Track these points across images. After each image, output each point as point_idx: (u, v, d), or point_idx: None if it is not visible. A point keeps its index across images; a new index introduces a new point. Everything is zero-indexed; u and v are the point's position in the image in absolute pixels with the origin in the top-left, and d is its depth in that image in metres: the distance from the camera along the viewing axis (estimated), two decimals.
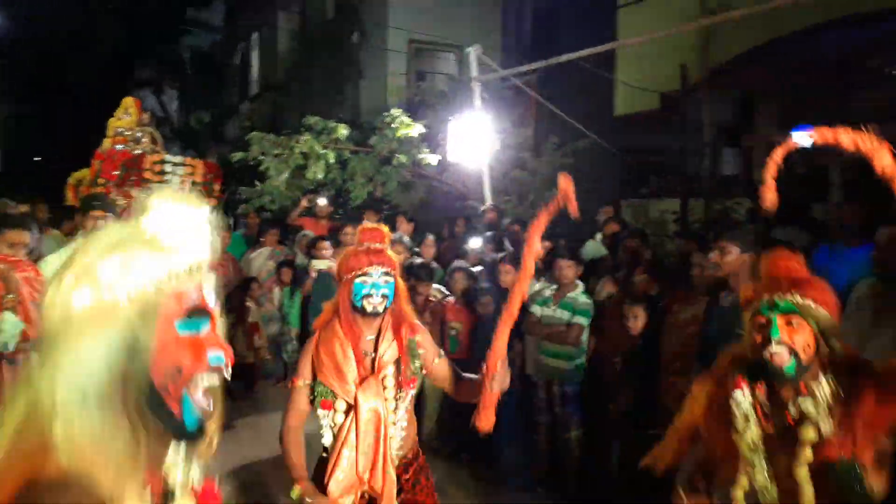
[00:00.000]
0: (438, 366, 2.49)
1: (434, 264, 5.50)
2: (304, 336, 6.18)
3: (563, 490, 4.24)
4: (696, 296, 3.74)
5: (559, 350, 4.22)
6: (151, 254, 0.94)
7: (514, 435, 4.69)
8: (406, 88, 11.29)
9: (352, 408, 2.28)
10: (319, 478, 2.30)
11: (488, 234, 5.71)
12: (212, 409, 1.01)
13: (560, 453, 4.21)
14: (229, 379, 1.04)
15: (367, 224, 2.53)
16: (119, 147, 9.13)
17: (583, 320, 4.18)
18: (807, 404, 1.70)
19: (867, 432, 1.66)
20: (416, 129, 6.90)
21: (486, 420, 2.08)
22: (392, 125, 7.03)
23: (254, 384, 6.31)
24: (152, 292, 0.93)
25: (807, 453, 1.68)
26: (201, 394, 0.98)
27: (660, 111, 7.64)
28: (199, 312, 0.98)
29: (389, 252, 2.40)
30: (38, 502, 0.84)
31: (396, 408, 2.34)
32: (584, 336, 4.28)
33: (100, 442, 0.88)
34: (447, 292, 5.22)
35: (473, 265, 5.49)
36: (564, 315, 4.20)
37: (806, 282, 1.73)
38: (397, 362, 2.36)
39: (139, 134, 9.54)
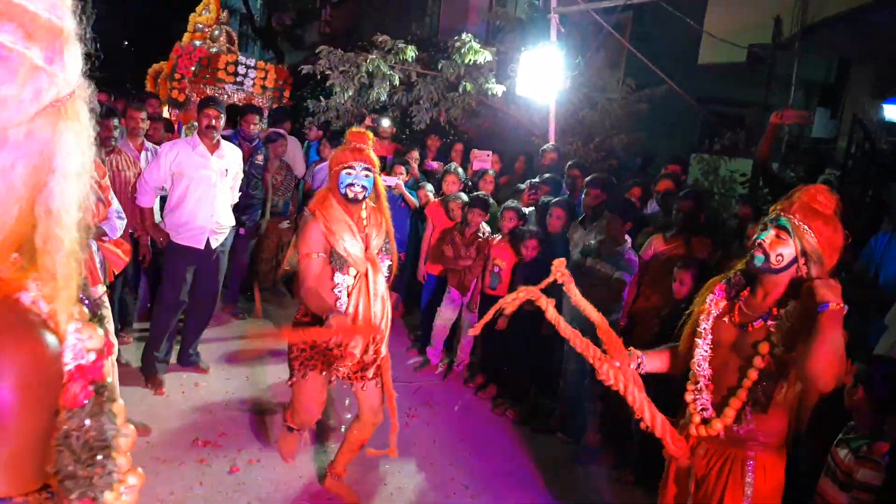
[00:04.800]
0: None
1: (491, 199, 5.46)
2: None
3: (579, 438, 4.30)
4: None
5: (596, 303, 4.17)
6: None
7: (541, 379, 4.77)
8: (487, 11, 10.94)
9: (362, 275, 2.95)
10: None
11: (546, 175, 5.60)
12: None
13: (583, 402, 4.25)
14: None
15: (356, 128, 3.11)
16: (197, 43, 9.27)
17: (625, 276, 4.12)
18: (776, 325, 2.10)
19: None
20: (485, 56, 6.70)
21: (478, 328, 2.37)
22: (462, 50, 6.85)
23: None
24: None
25: (757, 362, 2.12)
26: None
27: (746, 64, 7.21)
28: None
29: (370, 153, 2.98)
30: (8, 315, 0.87)
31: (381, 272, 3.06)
32: (625, 292, 4.24)
33: (69, 254, 0.93)
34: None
35: (527, 205, 5.45)
36: (607, 269, 4.14)
37: (818, 213, 2.05)
38: (383, 245, 3.07)
39: (217, 32, 9.66)
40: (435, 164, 6.94)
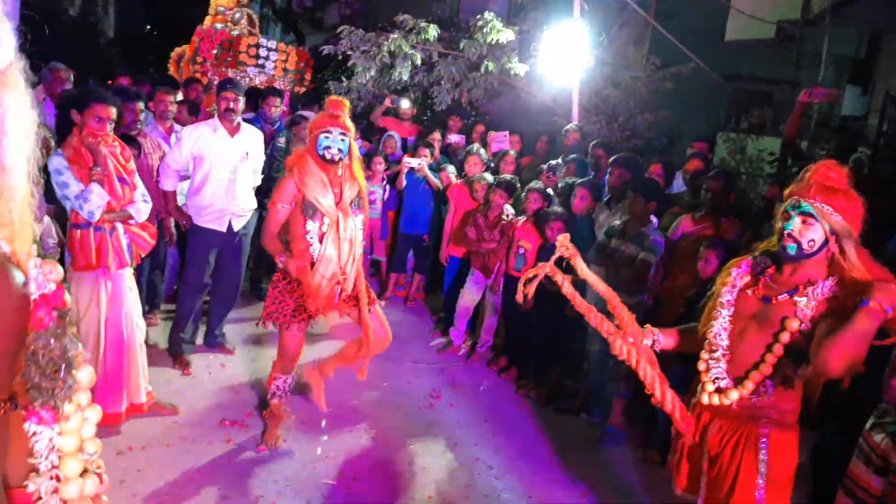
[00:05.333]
0: None
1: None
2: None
3: (604, 419, 4.29)
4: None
5: (622, 284, 4.14)
6: None
7: (564, 361, 4.75)
8: None
9: (333, 224, 3.27)
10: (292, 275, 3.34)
11: (571, 156, 5.54)
12: None
13: (607, 383, 4.23)
14: None
15: (333, 97, 3.45)
16: (218, 26, 9.30)
17: (650, 257, 4.08)
18: (801, 303, 2.12)
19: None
20: (507, 35, 6.61)
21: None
22: (484, 29, 6.76)
23: None
24: None
25: (783, 337, 2.14)
26: None
27: (775, 40, 7.04)
28: None
29: (346, 120, 3.29)
30: None
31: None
32: (650, 273, 4.20)
33: (23, 202, 1.09)
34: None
35: (549, 186, 5.40)
36: (632, 249, 4.10)
37: (835, 190, 2.08)
38: (356, 199, 3.40)
39: (238, 14, 9.67)
40: (456, 138, 6.89)
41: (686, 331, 2.50)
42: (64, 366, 1.18)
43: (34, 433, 1.22)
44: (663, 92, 7.32)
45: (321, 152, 3.26)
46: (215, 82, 8.25)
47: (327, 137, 3.25)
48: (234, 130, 4.44)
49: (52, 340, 1.15)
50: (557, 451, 4.04)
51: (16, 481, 1.25)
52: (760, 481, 2.24)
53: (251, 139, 4.57)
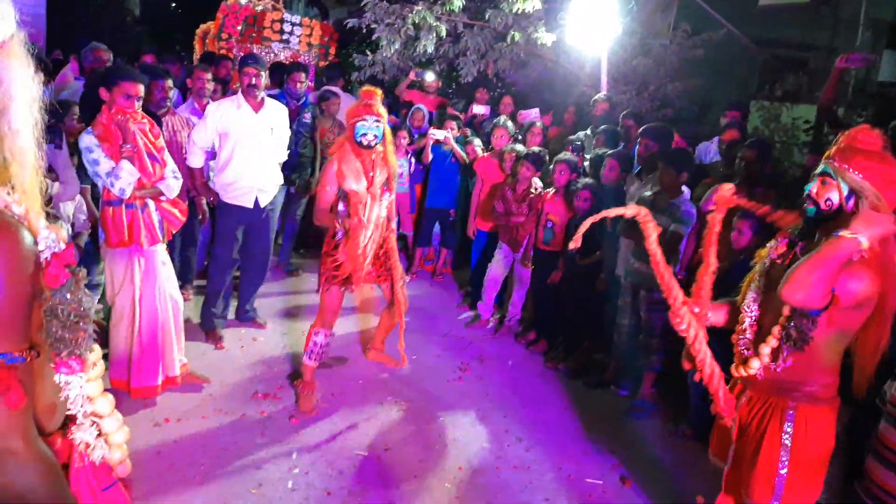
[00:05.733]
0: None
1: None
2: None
3: (633, 391, 4.27)
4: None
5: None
6: None
7: (593, 334, 4.73)
8: None
9: (364, 204, 3.58)
10: (336, 244, 3.70)
11: (602, 126, 5.45)
12: None
13: (638, 356, 4.20)
14: None
15: (366, 87, 3.68)
16: (242, 1, 9.26)
17: (681, 229, 4.01)
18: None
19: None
20: (534, 4, 6.48)
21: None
22: None
23: None
24: None
25: None
26: None
27: (810, 5, 6.81)
28: None
29: (379, 107, 3.56)
30: None
31: (382, 202, 3.69)
32: (682, 245, 4.14)
33: (32, 166, 1.17)
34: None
35: (578, 157, 5.32)
36: (663, 221, 4.03)
37: (858, 150, 2.03)
38: (384, 182, 3.68)
39: None
40: (482, 109, 6.82)
41: (729, 306, 2.46)
42: (83, 318, 1.26)
43: (66, 383, 1.29)
44: (694, 60, 7.14)
45: (358, 139, 3.55)
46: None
47: (363, 125, 3.53)
48: (258, 106, 4.44)
49: (69, 295, 1.23)
50: (587, 423, 4.04)
51: (49, 428, 1.33)
52: (784, 457, 2.19)
53: (276, 114, 4.57)
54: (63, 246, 1.22)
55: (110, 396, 1.46)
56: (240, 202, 4.51)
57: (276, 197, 4.73)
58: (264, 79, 4.45)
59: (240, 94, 4.44)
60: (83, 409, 1.37)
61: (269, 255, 4.89)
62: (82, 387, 1.33)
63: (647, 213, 2.21)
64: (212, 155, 4.60)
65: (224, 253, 4.61)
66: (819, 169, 2.11)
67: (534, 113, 6.49)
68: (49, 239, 1.20)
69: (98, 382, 1.42)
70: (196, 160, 4.52)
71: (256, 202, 4.54)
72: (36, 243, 1.17)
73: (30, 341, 1.16)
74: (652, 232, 2.20)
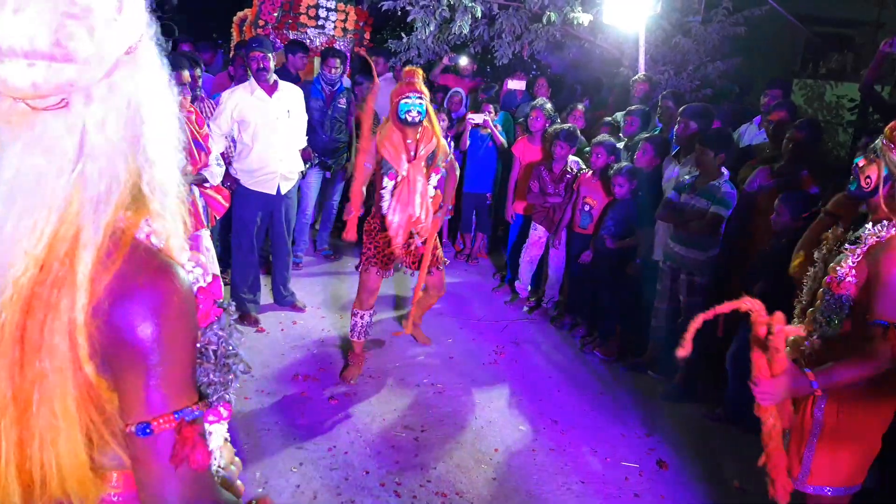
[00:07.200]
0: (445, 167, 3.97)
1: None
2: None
3: (671, 376, 4.25)
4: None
5: (691, 239, 4.05)
6: None
7: (629, 316, 4.70)
8: None
9: (405, 178, 3.70)
10: (379, 224, 3.87)
11: (633, 107, 5.38)
12: None
13: (676, 341, 4.16)
14: None
15: (409, 67, 3.81)
16: None
17: (722, 211, 3.94)
18: (850, 240, 2.13)
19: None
20: None
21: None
22: None
23: None
24: None
25: (826, 280, 2.15)
26: None
27: None
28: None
29: (420, 85, 3.66)
30: (139, 259, 0.94)
31: (429, 181, 3.81)
32: (722, 227, 4.07)
33: (176, 195, 1.01)
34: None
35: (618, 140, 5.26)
36: (702, 203, 3.98)
37: None
38: (429, 157, 3.79)
39: None
40: (518, 84, 6.77)
41: None
42: (233, 357, 1.14)
43: (209, 433, 1.11)
44: (734, 38, 6.96)
45: (402, 116, 3.64)
46: (278, 45, 8.35)
47: (407, 102, 3.63)
48: (271, 89, 4.46)
49: (220, 333, 1.10)
50: (623, 407, 4.04)
51: None
52: (814, 440, 2.19)
53: (291, 96, 4.58)
54: (210, 278, 1.08)
55: (230, 446, 1.29)
56: (263, 189, 4.56)
57: (294, 184, 4.77)
58: (272, 61, 4.46)
59: (252, 79, 4.46)
60: (217, 462, 1.19)
61: (287, 238, 4.89)
62: (225, 437, 1.19)
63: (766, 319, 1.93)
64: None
65: (245, 240, 4.65)
66: (873, 147, 2.09)
67: (520, 85, 6.56)
68: (196, 272, 1.05)
69: (224, 425, 1.20)
70: (217, 147, 4.58)
71: (278, 189, 4.60)
72: (192, 282, 1.02)
73: (197, 391, 1.01)
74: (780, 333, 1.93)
